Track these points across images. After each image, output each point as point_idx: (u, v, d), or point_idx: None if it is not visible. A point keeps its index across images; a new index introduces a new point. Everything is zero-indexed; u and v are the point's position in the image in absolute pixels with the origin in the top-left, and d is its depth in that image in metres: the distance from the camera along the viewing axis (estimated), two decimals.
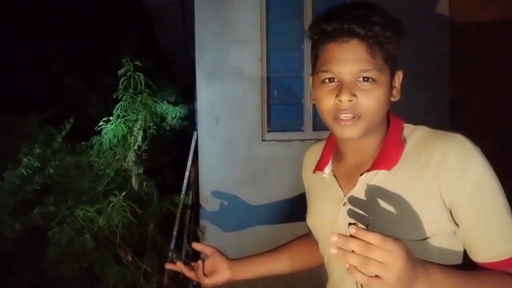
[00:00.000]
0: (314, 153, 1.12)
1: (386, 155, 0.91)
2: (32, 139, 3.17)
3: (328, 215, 0.98)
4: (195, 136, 3.25)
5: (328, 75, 0.88)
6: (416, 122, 0.95)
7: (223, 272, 1.14)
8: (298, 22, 3.25)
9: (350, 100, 0.85)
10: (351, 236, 0.67)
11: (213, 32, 3.13)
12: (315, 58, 0.94)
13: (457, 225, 0.85)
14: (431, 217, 0.84)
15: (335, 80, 0.88)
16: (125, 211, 2.71)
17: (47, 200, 2.69)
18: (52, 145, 3.00)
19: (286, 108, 3.32)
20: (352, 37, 0.86)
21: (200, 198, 3.16)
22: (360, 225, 0.70)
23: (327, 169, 1.03)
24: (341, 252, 0.67)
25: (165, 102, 4.52)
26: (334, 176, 1.01)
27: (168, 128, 4.42)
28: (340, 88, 0.86)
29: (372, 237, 0.65)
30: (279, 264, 1.20)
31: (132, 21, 5.32)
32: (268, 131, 3.24)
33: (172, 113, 4.52)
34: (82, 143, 3.18)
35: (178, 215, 3.16)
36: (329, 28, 0.87)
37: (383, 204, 0.88)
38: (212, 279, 1.14)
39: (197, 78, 3.16)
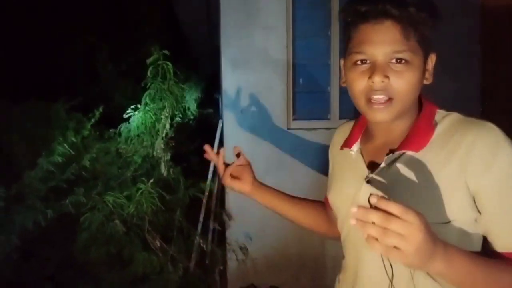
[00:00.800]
0: (344, 131, 1.13)
1: (415, 137, 0.92)
2: (61, 126, 3.24)
3: (350, 191, 0.99)
4: (221, 124, 3.26)
5: (361, 57, 0.89)
6: (448, 109, 0.95)
7: (245, 184, 1.24)
8: (325, 8, 3.20)
9: (382, 81, 0.86)
10: (371, 208, 0.68)
11: (238, 20, 3.11)
12: (347, 40, 0.94)
13: (479, 212, 0.85)
14: (455, 202, 0.85)
15: (368, 61, 0.89)
16: (154, 198, 2.76)
17: (78, 187, 2.75)
18: (81, 132, 3.06)
19: (312, 96, 3.29)
20: (386, 18, 0.86)
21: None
22: (381, 194, 0.70)
23: (355, 147, 1.04)
24: (360, 223, 0.67)
25: (190, 89, 4.55)
26: (361, 154, 1.02)
27: (192, 115, 4.45)
28: (373, 70, 0.87)
29: (394, 207, 0.66)
30: (291, 210, 1.27)
31: (157, 8, 5.34)
32: (294, 119, 3.23)
33: (196, 100, 4.54)
34: (110, 130, 3.24)
35: (204, 201, 3.21)
36: (362, 9, 0.88)
37: (406, 184, 0.89)
38: (233, 183, 1.24)
39: (222, 66, 3.16)
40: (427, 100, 0.97)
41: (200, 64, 6.09)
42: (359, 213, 0.67)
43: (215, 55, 3.88)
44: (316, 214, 1.27)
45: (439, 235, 0.76)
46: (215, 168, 3.33)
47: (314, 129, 3.17)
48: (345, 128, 1.14)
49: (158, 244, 2.83)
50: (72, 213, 2.74)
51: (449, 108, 0.95)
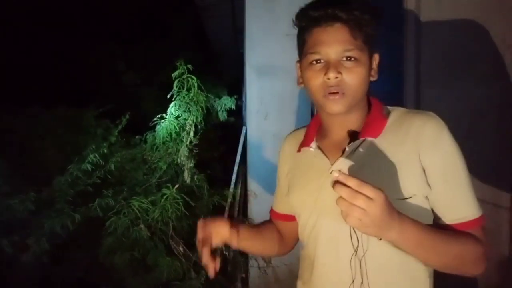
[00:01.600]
0: (295, 137, 1.22)
1: (372, 125, 1.03)
2: (90, 133, 3.34)
3: (314, 186, 1.07)
4: (244, 131, 3.27)
5: (316, 56, 0.99)
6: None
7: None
8: None
9: (336, 77, 0.96)
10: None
11: (264, 26, 3.12)
12: (302, 43, 1.05)
13: (430, 187, 0.97)
14: (412, 179, 0.96)
15: (322, 61, 0.99)
16: (178, 203, 2.79)
17: (106, 192, 2.81)
18: (108, 139, 3.14)
19: None
20: (335, 21, 0.97)
21: (248, 192, 3.19)
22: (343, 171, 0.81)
23: (313, 144, 1.11)
24: (338, 200, 0.79)
25: (214, 97, 4.59)
26: (320, 149, 1.09)
27: (216, 122, 4.49)
28: (327, 67, 0.97)
29: (352, 182, 0.77)
30: (260, 245, 1.28)
31: (182, 16, 5.43)
32: None
33: (220, 107, 4.58)
34: (136, 137, 3.31)
35: (227, 208, 3.22)
36: (315, 14, 1.00)
37: (369, 167, 0.98)
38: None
39: (246, 72, 3.17)
40: (374, 98, 1.10)
41: (225, 71, 6.14)
42: (338, 183, 0.79)
43: (240, 62, 3.90)
44: (272, 235, 1.30)
45: (402, 210, 0.87)
46: (238, 175, 3.34)
47: None
48: (295, 136, 1.23)
49: (182, 250, 2.85)
50: (100, 217, 2.81)
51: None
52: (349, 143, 1.02)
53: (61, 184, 2.82)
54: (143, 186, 3.10)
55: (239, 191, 3.30)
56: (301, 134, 1.19)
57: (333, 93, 0.97)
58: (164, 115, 3.13)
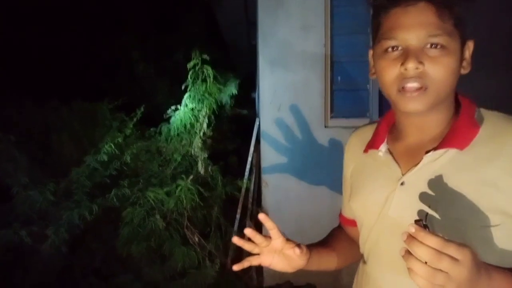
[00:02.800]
0: (363, 134, 1.03)
1: (459, 133, 0.83)
2: (106, 126, 3.39)
3: (380, 195, 0.90)
4: (257, 123, 3.29)
5: (392, 43, 0.82)
6: (488, 108, 0.89)
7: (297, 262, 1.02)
8: (363, 5, 3.14)
9: (416, 68, 0.78)
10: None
11: (276, 18, 3.12)
12: (376, 27, 0.87)
13: None
14: (502, 203, 0.77)
15: (400, 48, 0.81)
16: (193, 194, 2.84)
17: (122, 183, 2.86)
18: (124, 131, 3.19)
19: (350, 94, 3.25)
20: None
21: (262, 183, 3.22)
22: (419, 222, 0.66)
23: (383, 147, 0.94)
24: (407, 256, 0.64)
25: (228, 89, 4.60)
26: (391, 154, 0.92)
27: (229, 114, 4.50)
28: (405, 56, 0.79)
29: (433, 241, 0.62)
30: (330, 261, 1.10)
31: (196, 8, 5.44)
32: (331, 117, 3.20)
33: (234, 100, 4.59)
34: (151, 129, 3.35)
35: (241, 198, 3.25)
36: None
37: (450, 185, 0.81)
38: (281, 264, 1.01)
39: (259, 64, 3.18)
40: (464, 96, 0.89)
41: (238, 64, 6.14)
42: (408, 242, 0.64)
43: (253, 54, 3.91)
44: (348, 247, 1.12)
45: (485, 240, 0.74)
46: (251, 166, 3.36)
47: (353, 127, 3.11)
48: (364, 132, 1.04)
49: (197, 239, 2.90)
50: (116, 208, 2.87)
51: (486, 107, 0.89)
52: (428, 151, 0.85)
53: (78, 176, 2.88)
54: (158, 177, 3.15)
55: (252, 181, 3.33)
56: (369, 132, 1.01)
57: (412, 88, 0.80)
58: (179, 106, 3.16)
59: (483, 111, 0.87)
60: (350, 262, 1.13)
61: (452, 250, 0.62)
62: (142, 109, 3.27)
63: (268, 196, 3.20)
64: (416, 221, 0.66)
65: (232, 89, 3.91)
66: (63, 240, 2.70)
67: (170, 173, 3.14)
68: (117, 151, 2.93)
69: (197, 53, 2.95)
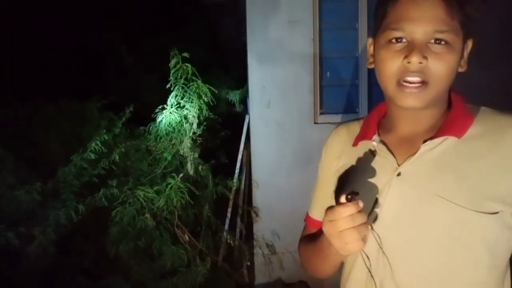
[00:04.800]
0: (348, 129, 1.03)
1: (455, 122, 0.84)
2: (94, 125, 3.36)
3: (374, 189, 0.89)
4: (247, 120, 3.27)
5: (398, 34, 0.81)
6: (480, 103, 0.90)
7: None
8: (352, 0, 3.14)
9: (420, 62, 0.78)
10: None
11: (265, 14, 3.10)
12: (382, 15, 0.86)
13: None
14: (501, 193, 0.78)
15: (404, 40, 0.81)
16: (183, 193, 2.81)
17: (111, 183, 2.83)
18: (113, 130, 3.16)
19: (339, 89, 3.24)
20: None
21: (253, 180, 3.20)
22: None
23: (376, 138, 0.92)
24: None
25: (218, 87, 4.58)
26: (384, 144, 0.91)
27: (220, 111, 4.48)
28: (410, 49, 0.79)
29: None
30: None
31: (187, 4, 5.41)
32: (321, 113, 3.19)
33: (224, 97, 4.57)
34: (140, 128, 3.31)
35: (231, 197, 3.23)
36: None
37: (450, 173, 0.81)
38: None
39: (248, 61, 3.16)
40: (454, 92, 0.91)
41: (230, 60, 6.11)
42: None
43: (243, 51, 3.89)
44: None
45: (484, 226, 0.77)
46: (242, 163, 3.34)
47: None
48: (346, 128, 1.04)
49: (187, 238, 2.87)
50: (106, 207, 2.83)
51: (486, 101, 0.91)
52: (425, 140, 0.85)
53: (66, 175, 2.84)
54: (148, 176, 3.12)
55: (243, 179, 3.31)
56: (355, 127, 1.01)
57: (411, 86, 0.80)
58: (165, 106, 3.13)
59: (472, 106, 0.89)
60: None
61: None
62: (131, 108, 3.24)
63: (259, 193, 3.18)
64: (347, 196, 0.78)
65: (223, 87, 3.89)
66: (51, 240, 2.67)
67: (160, 172, 3.11)
68: (105, 150, 2.89)
69: (176, 52, 2.92)
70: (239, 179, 3.28)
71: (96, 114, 3.37)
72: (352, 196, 0.78)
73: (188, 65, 2.93)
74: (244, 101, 4.25)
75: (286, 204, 3.15)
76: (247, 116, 3.29)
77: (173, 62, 2.91)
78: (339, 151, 1.02)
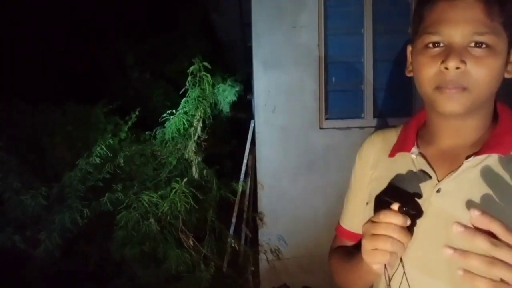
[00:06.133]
0: (384, 138, 0.97)
1: (501, 139, 0.78)
2: (100, 129, 3.38)
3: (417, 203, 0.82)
4: (252, 124, 3.27)
5: (434, 38, 0.76)
6: None
7: None
8: (357, 5, 3.14)
9: (458, 67, 0.73)
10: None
11: (270, 19, 3.11)
12: (419, 20, 0.82)
13: None
14: None
15: (441, 45, 0.76)
16: (187, 197, 2.81)
17: (116, 187, 2.84)
18: (118, 135, 3.17)
19: (345, 94, 3.23)
20: None
21: (258, 185, 3.19)
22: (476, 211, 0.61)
23: (415, 150, 0.86)
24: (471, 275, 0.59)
25: (224, 92, 4.60)
26: (424, 158, 0.84)
27: (224, 116, 4.49)
28: (447, 53, 0.74)
29: (496, 226, 0.58)
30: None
31: (190, 10, 5.44)
32: (326, 118, 3.18)
33: (230, 103, 4.58)
34: (146, 132, 3.33)
35: (236, 201, 3.23)
36: None
37: (494, 192, 0.74)
38: None
39: (254, 66, 3.17)
40: (501, 103, 0.84)
41: (235, 66, 6.14)
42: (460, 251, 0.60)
43: (249, 57, 3.90)
44: None
45: None
46: (247, 168, 3.34)
47: (347, 128, 3.11)
48: (383, 136, 0.98)
49: (191, 242, 2.87)
50: (111, 211, 2.84)
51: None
52: (468, 156, 0.78)
53: (71, 180, 2.86)
54: (153, 181, 3.13)
55: (248, 184, 3.30)
56: (392, 135, 0.95)
57: (450, 88, 0.75)
58: (174, 110, 3.15)
59: None
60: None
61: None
62: (137, 112, 3.26)
63: (264, 198, 3.17)
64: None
65: (229, 92, 3.91)
66: (57, 244, 2.68)
67: (165, 177, 3.12)
68: (110, 154, 2.91)
69: (198, 59, 2.95)
70: (244, 184, 3.28)
71: (102, 118, 3.40)
72: (407, 210, 0.72)
73: (208, 75, 2.98)
74: (247, 104, 4.26)
75: (291, 209, 3.15)
76: (252, 121, 3.29)
77: (192, 68, 2.96)
78: (374, 160, 0.97)
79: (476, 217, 0.60)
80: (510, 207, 0.73)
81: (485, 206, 0.73)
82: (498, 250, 0.58)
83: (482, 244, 0.58)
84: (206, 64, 3.01)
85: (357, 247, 0.89)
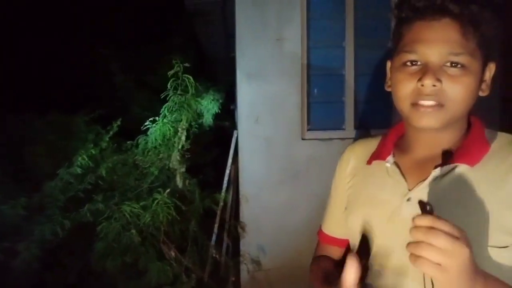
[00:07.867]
0: (365, 146, 1.01)
1: (470, 149, 0.82)
2: (81, 138, 3.34)
3: (383, 211, 0.86)
4: (235, 135, 3.29)
5: (412, 57, 0.80)
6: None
7: None
8: (339, 19, 3.20)
9: (434, 85, 0.76)
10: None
11: (254, 31, 3.15)
12: (398, 38, 0.86)
13: None
14: (509, 228, 0.75)
15: (419, 63, 0.80)
16: (169, 208, 2.80)
17: (97, 197, 2.81)
18: (99, 144, 3.14)
19: (326, 106, 3.28)
20: (444, 14, 0.78)
21: (240, 195, 3.20)
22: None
23: (390, 159, 0.90)
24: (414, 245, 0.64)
25: (206, 101, 4.60)
26: (397, 167, 0.88)
27: (208, 127, 4.50)
28: (423, 72, 0.77)
29: (441, 224, 0.62)
30: None
31: (174, 21, 5.45)
32: (308, 129, 3.22)
33: (213, 113, 4.59)
34: (128, 142, 3.30)
35: (218, 212, 3.23)
36: (419, 3, 0.80)
37: (457, 202, 0.78)
38: None
39: (237, 77, 3.19)
40: (474, 116, 0.89)
41: (218, 76, 6.15)
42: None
43: (232, 67, 3.93)
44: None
45: (495, 260, 0.73)
46: (229, 178, 3.35)
47: (329, 139, 3.16)
48: (363, 144, 1.02)
49: (173, 254, 2.85)
50: (91, 222, 2.80)
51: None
52: (437, 166, 0.82)
53: (52, 190, 2.81)
54: (134, 191, 3.10)
55: (230, 195, 3.31)
56: (372, 144, 0.99)
57: (426, 105, 0.78)
58: (157, 118, 3.13)
59: (491, 131, 0.87)
60: None
61: (450, 226, 0.62)
62: (118, 122, 3.23)
63: (246, 209, 3.18)
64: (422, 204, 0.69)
65: (213, 104, 3.92)
66: (36, 256, 2.63)
67: (146, 187, 3.10)
68: (91, 164, 2.88)
69: (178, 61, 2.93)
70: (227, 194, 3.28)
71: (83, 127, 3.36)
72: (431, 208, 0.72)
73: (189, 76, 2.96)
74: (230, 114, 4.28)
75: (273, 219, 3.16)
76: (235, 131, 3.31)
77: (173, 71, 2.92)
78: (352, 168, 1.01)
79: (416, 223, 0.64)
80: (471, 218, 0.76)
81: (448, 215, 0.73)
82: (435, 237, 0.62)
83: (417, 234, 0.63)
84: (187, 65, 2.97)
85: (336, 265, 0.93)
